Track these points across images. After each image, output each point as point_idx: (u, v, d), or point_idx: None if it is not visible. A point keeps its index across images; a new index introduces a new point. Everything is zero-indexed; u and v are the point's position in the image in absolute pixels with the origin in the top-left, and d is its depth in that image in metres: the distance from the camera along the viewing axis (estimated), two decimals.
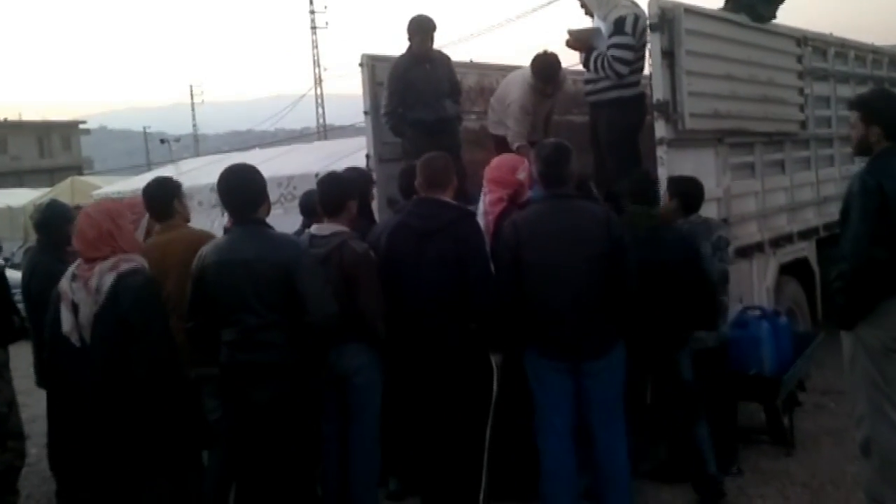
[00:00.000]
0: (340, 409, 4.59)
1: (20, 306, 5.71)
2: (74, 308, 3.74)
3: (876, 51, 8.99)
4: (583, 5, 6.41)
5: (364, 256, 4.54)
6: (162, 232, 4.82)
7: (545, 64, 6.41)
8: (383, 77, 6.72)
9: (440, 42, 6.85)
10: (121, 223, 3.93)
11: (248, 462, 4.13)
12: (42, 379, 5.28)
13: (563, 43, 6.47)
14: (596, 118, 6.48)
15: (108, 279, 3.71)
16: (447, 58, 6.94)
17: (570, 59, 6.92)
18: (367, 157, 6.92)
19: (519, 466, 4.77)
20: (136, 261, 3.85)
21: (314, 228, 4.73)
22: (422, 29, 6.58)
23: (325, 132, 41.48)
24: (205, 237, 4.56)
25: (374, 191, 6.08)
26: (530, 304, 4.40)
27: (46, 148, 53.84)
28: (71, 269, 3.86)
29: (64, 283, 3.83)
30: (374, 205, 6.17)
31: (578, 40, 6.34)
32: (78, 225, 3.97)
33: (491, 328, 4.46)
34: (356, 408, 4.59)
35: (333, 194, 4.71)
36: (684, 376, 4.95)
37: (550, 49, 6.57)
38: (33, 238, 6.21)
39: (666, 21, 5.45)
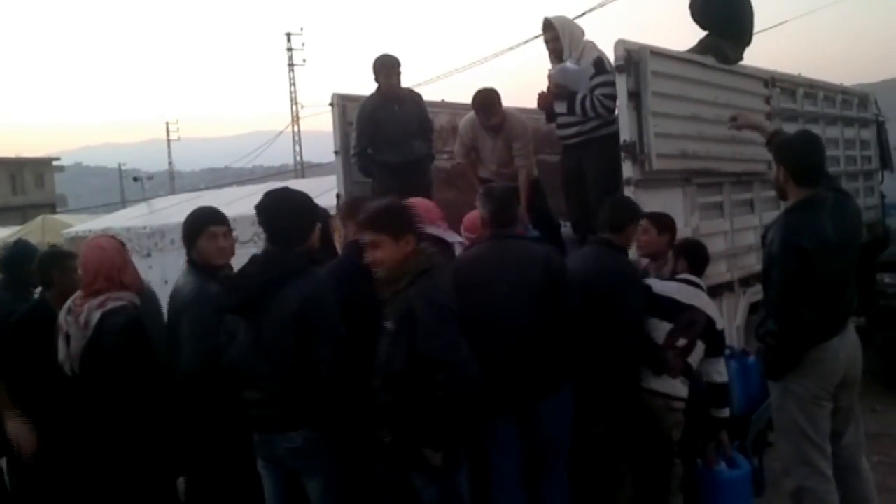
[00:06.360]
0: None
1: None
2: (67, 339, 4.03)
3: (845, 91, 9.11)
4: (554, 50, 6.34)
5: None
6: None
7: (481, 98, 6.49)
8: (354, 117, 6.74)
9: (415, 81, 6.91)
10: (128, 258, 4.32)
11: None
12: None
13: (546, 94, 6.37)
14: (581, 157, 6.36)
15: (96, 316, 4.00)
16: (418, 96, 6.97)
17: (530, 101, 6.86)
18: (338, 196, 6.91)
19: None
20: (125, 298, 4.11)
21: None
22: (385, 66, 6.62)
23: (302, 169, 41.42)
24: None
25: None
26: (472, 345, 4.31)
27: (19, 185, 53.40)
28: (68, 302, 4.13)
29: (60, 316, 4.15)
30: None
31: (557, 89, 6.27)
32: (84, 255, 4.24)
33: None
34: None
35: None
36: None
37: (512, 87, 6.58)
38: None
39: (632, 63, 5.49)
